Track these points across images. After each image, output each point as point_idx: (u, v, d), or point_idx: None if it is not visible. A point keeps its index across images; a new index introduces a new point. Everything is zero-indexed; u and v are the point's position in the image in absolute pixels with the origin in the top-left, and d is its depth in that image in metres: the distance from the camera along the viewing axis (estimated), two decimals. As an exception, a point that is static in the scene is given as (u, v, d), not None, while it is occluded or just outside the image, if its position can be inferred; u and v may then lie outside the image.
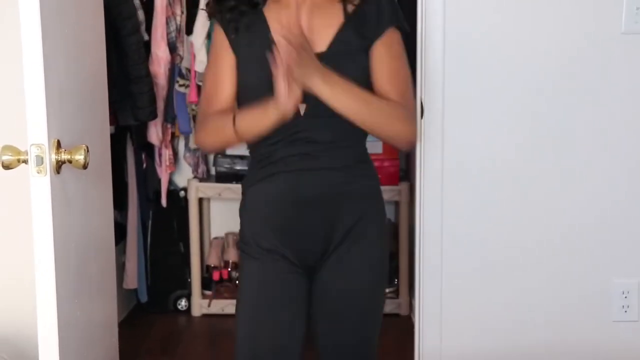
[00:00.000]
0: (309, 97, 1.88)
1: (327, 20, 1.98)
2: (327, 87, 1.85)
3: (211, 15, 2.05)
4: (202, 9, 2.02)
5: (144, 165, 4.01)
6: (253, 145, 2.04)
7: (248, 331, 2.03)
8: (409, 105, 2.01)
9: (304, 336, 2.04)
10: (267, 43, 1.93)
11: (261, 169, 2.02)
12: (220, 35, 2.02)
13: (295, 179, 1.97)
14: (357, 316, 2.04)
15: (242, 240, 2.08)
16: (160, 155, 3.98)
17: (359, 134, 2.02)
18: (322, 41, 1.96)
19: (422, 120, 2.81)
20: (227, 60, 2.01)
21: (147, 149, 3.99)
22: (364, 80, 1.95)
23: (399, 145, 2.08)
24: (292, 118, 1.88)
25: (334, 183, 1.98)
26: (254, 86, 1.97)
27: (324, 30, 1.97)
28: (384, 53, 1.98)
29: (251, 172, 2.08)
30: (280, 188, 1.99)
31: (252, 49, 1.97)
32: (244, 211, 2.09)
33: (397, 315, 4.09)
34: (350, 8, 1.99)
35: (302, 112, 1.92)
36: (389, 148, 4.06)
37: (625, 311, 2.85)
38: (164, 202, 4.04)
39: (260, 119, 1.90)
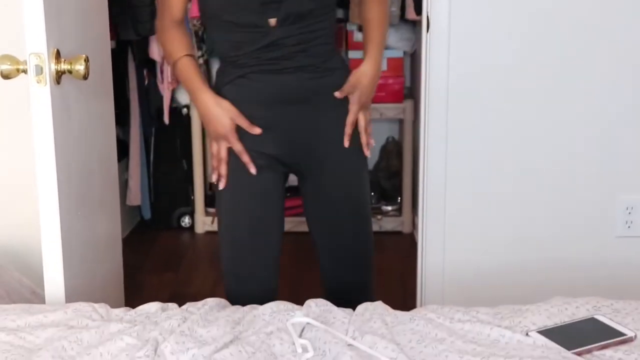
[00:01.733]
0: (277, 10, 1.96)
1: None
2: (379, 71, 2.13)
3: None
4: None
5: (146, 82, 3.97)
6: (224, 51, 2.08)
7: (226, 220, 2.12)
8: None
9: (281, 227, 2.16)
10: None
11: (234, 69, 2.05)
12: None
13: (270, 78, 2.02)
14: (351, 197, 2.15)
15: None
16: (162, 71, 3.94)
17: (328, 31, 2.09)
18: None
19: (428, 34, 2.76)
20: None
21: (148, 66, 3.94)
22: None
23: None
24: (264, 31, 1.97)
25: (310, 79, 2.04)
26: (214, 6, 2.01)
27: None
28: None
29: (223, 73, 2.10)
30: (255, 85, 2.03)
31: None
32: None
33: (399, 232, 4.11)
34: None
35: (272, 24, 1.98)
36: (394, 65, 4.03)
37: (629, 227, 2.85)
38: (166, 119, 4.02)
39: (189, 90, 2.07)
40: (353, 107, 2.09)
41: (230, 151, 2.08)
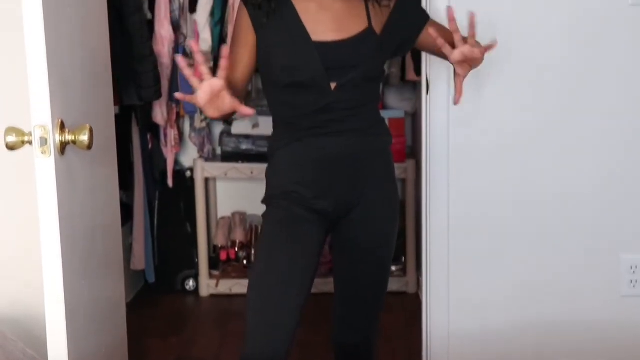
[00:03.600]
0: (338, 75, 2.12)
1: (353, 9, 2.18)
2: None
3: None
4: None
5: (150, 146, 4.01)
6: (281, 114, 2.23)
7: (262, 266, 2.15)
8: None
9: (312, 280, 2.20)
10: (296, 28, 2.12)
11: (289, 133, 2.20)
12: (244, 16, 2.17)
13: (322, 140, 2.17)
14: (378, 253, 2.29)
15: (269, 196, 2.24)
16: (165, 135, 3.98)
17: (376, 97, 2.29)
18: (354, 27, 2.16)
19: (428, 96, 2.79)
20: (248, 42, 2.16)
21: (152, 129, 3.98)
22: (379, 66, 2.22)
23: None
24: (324, 94, 2.13)
25: (357, 142, 2.20)
26: (280, 68, 2.14)
27: (352, 18, 2.17)
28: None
29: (278, 138, 2.25)
30: (307, 148, 2.18)
31: (279, 33, 2.14)
32: (272, 171, 2.25)
33: (404, 293, 4.10)
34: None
35: (332, 87, 2.13)
36: (396, 125, 4.05)
37: (634, 286, 2.84)
38: (170, 182, 4.04)
39: None
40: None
41: (279, 205, 2.19)
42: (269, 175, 2.27)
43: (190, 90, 3.97)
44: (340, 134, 2.18)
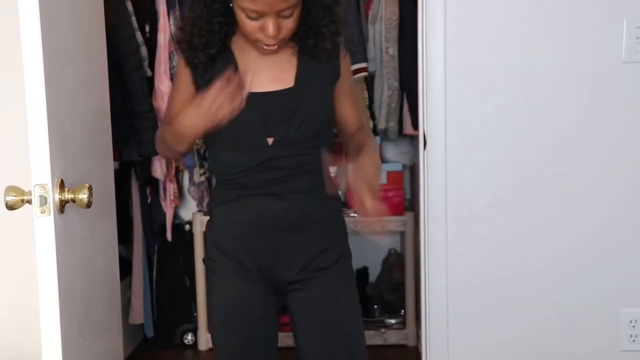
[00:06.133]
0: (275, 130, 2.00)
1: (287, 62, 2.05)
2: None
3: (182, 51, 2.09)
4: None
5: (149, 200, 4.01)
6: (221, 171, 2.12)
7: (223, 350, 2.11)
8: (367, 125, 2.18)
9: (276, 351, 2.13)
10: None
11: (228, 191, 2.08)
12: (183, 69, 2.09)
13: (263, 202, 2.04)
14: (342, 328, 2.07)
15: (210, 257, 2.13)
16: (164, 189, 3.99)
17: (321, 160, 2.06)
18: (290, 78, 2.04)
19: (425, 151, 2.81)
20: (186, 94, 2.08)
21: (151, 184, 3.99)
22: (329, 107, 2.07)
23: None
24: (261, 149, 2.00)
25: (301, 206, 2.05)
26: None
27: (288, 69, 2.05)
28: (342, 88, 2.11)
29: (218, 194, 2.16)
30: (248, 210, 2.05)
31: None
32: (212, 230, 2.14)
33: (404, 346, 4.07)
34: (302, 49, 2.05)
35: (269, 143, 2.01)
36: (394, 179, 4.07)
37: (634, 340, 2.83)
38: (169, 236, 4.04)
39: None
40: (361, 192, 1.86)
41: (218, 278, 2.10)
42: (209, 234, 2.16)
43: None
44: (281, 196, 2.03)
